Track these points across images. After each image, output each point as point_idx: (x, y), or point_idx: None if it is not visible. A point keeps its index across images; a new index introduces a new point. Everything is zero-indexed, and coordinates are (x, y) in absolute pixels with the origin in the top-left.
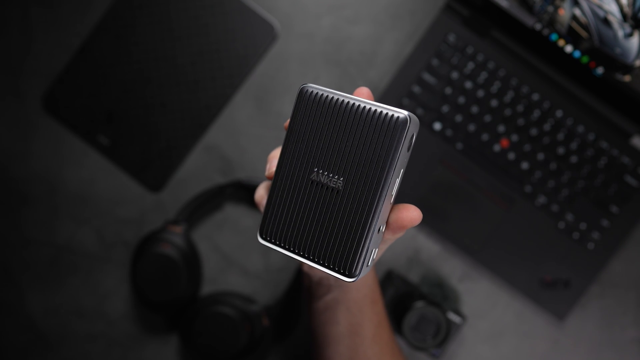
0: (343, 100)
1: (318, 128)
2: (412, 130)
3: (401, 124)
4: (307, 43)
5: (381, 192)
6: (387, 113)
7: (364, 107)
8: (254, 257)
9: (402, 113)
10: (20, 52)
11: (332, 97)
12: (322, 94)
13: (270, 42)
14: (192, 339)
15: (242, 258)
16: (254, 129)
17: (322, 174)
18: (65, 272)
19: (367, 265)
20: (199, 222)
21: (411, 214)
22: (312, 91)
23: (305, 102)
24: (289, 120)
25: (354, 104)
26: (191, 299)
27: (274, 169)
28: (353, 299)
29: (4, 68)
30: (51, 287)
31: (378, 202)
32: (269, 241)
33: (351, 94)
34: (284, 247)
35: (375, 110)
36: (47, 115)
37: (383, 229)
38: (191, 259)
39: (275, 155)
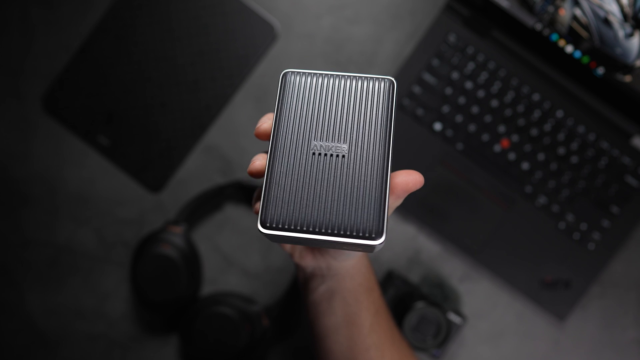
0: (330, 76)
1: (308, 107)
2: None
3: (389, 85)
4: (307, 43)
5: (389, 149)
6: (373, 79)
7: (351, 77)
8: (254, 257)
9: (386, 77)
10: (20, 52)
11: (317, 75)
12: (307, 75)
13: (270, 42)
14: (192, 339)
15: (242, 258)
16: (253, 129)
17: (323, 144)
18: (65, 272)
19: (388, 220)
20: (199, 222)
21: (414, 177)
22: (296, 75)
23: (292, 86)
24: (262, 125)
25: (340, 77)
26: (191, 299)
27: (257, 162)
28: (348, 289)
29: (4, 68)
30: (51, 287)
31: (389, 159)
32: (275, 228)
33: None
34: (294, 230)
35: (363, 78)
36: (47, 115)
37: None
38: (191, 259)
39: (259, 156)
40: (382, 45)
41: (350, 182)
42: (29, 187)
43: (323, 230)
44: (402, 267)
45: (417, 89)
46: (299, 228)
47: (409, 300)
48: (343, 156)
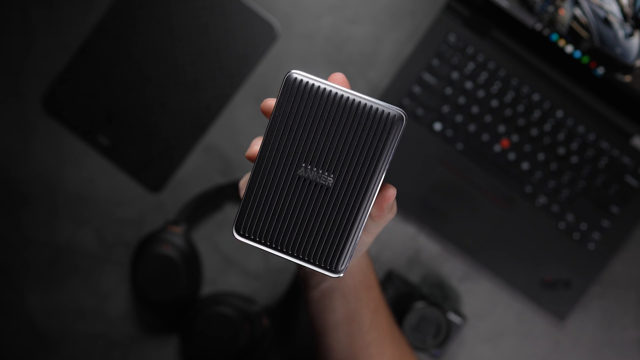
0: (336, 93)
1: (306, 119)
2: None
3: (397, 122)
4: (307, 43)
5: (372, 190)
6: (382, 110)
7: (359, 101)
8: (254, 257)
9: (395, 110)
10: (20, 52)
11: (324, 88)
12: (313, 84)
13: (270, 42)
14: (192, 339)
15: (242, 258)
16: (254, 129)
17: (311, 169)
18: (65, 272)
19: (350, 258)
20: (199, 222)
21: (383, 194)
22: (301, 79)
23: (294, 91)
24: (267, 101)
25: (347, 97)
26: (191, 299)
27: (255, 147)
28: (348, 286)
29: (4, 68)
30: (51, 287)
31: (368, 201)
32: (247, 237)
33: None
34: (263, 244)
35: (371, 106)
36: (47, 115)
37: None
38: (191, 259)
39: (259, 141)
40: (382, 45)
41: (326, 215)
42: (29, 187)
43: (290, 252)
44: (402, 267)
45: (417, 89)
46: (268, 243)
47: (409, 300)
48: (327, 188)
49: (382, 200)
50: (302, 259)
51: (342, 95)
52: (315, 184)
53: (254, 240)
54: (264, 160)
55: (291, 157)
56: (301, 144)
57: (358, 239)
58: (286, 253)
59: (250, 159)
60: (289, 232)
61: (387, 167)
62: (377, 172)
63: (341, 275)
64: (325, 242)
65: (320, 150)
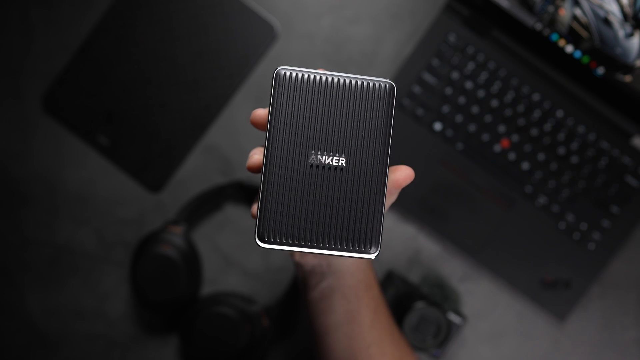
0: (326, 78)
1: (303, 110)
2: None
3: (389, 90)
4: (307, 43)
5: (384, 160)
6: (373, 83)
7: (349, 80)
8: (254, 257)
9: (384, 81)
10: (20, 52)
11: (313, 76)
12: (303, 74)
13: (270, 42)
14: (192, 339)
15: (242, 258)
16: (254, 129)
17: (321, 155)
18: (65, 272)
19: (382, 233)
20: (198, 222)
21: (404, 172)
22: (290, 73)
23: (285, 86)
24: (257, 111)
25: (337, 79)
26: (191, 300)
27: (256, 157)
28: (348, 285)
29: (4, 68)
30: (51, 287)
31: (383, 171)
32: (272, 242)
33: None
34: (290, 244)
35: (362, 82)
36: (47, 115)
37: None
38: (191, 259)
39: (257, 151)
40: (382, 45)
41: (347, 196)
42: (29, 187)
43: (320, 245)
44: (402, 267)
45: (417, 89)
46: (296, 242)
47: (409, 300)
48: (341, 169)
49: (401, 180)
50: (334, 249)
51: (333, 79)
52: (329, 168)
53: (280, 243)
54: (273, 159)
55: (299, 148)
56: (305, 134)
57: (385, 210)
58: (316, 247)
59: (251, 169)
60: (314, 224)
61: (391, 137)
62: (384, 142)
63: (375, 255)
64: (353, 223)
65: (325, 135)
